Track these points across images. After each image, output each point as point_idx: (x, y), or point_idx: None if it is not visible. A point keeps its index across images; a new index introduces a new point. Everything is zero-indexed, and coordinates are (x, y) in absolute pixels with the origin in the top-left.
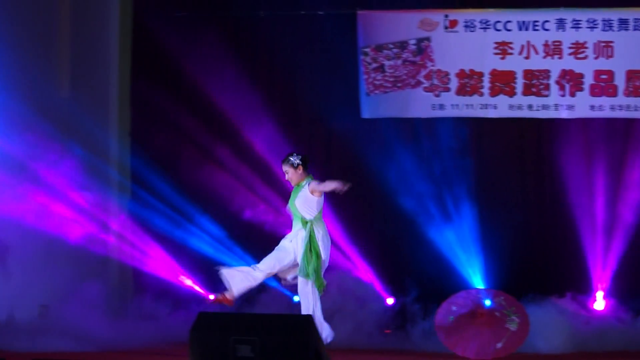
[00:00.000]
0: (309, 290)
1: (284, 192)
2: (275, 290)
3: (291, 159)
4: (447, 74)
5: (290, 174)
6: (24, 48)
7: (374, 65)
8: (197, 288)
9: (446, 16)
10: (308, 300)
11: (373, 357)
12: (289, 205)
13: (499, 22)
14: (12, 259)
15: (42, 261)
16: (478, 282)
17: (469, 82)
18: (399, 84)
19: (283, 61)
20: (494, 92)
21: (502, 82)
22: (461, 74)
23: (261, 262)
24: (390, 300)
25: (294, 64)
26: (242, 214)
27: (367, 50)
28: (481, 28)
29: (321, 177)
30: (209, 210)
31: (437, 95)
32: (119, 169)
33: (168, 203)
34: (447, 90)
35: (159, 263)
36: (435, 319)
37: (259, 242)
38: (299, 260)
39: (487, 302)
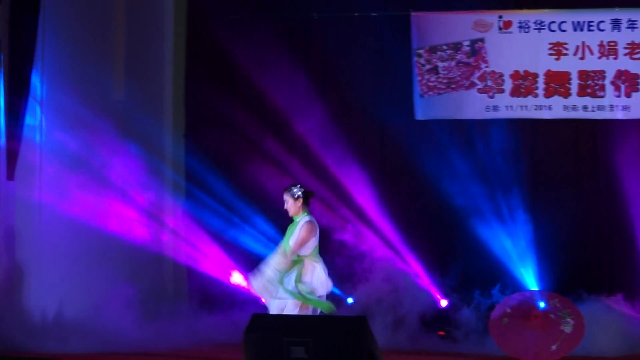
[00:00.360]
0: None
1: (338, 192)
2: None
3: (294, 189)
4: (501, 75)
5: (290, 204)
6: (81, 50)
7: (428, 66)
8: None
9: (500, 17)
10: None
11: (427, 358)
12: (284, 242)
13: (553, 22)
14: (65, 257)
15: (96, 260)
16: (531, 282)
17: (524, 84)
18: (453, 86)
19: (336, 63)
20: (548, 93)
21: (557, 83)
22: (515, 75)
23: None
24: (444, 302)
25: (348, 66)
26: None
27: (420, 51)
28: (535, 29)
29: (374, 178)
30: (263, 209)
31: (491, 97)
32: (173, 168)
33: (222, 202)
34: (501, 91)
35: (213, 262)
36: (489, 322)
37: None
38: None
39: (542, 304)
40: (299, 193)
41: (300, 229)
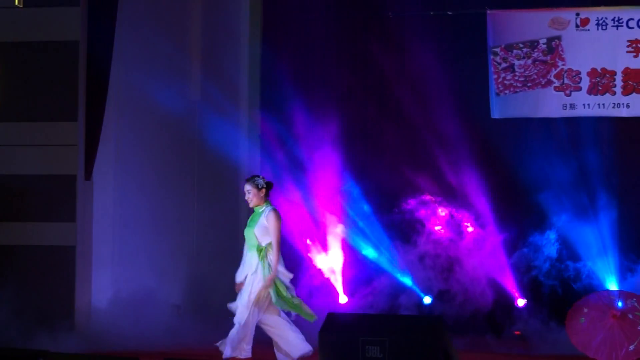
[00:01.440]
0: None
1: (416, 188)
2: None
3: (257, 179)
4: (578, 73)
5: (252, 194)
6: (158, 50)
7: (504, 65)
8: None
9: (577, 14)
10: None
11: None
12: (246, 232)
13: (631, 19)
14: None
15: (171, 256)
16: (612, 282)
17: (601, 81)
18: (529, 84)
19: (412, 61)
20: (626, 91)
21: (636, 81)
22: (593, 73)
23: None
24: (521, 302)
25: (423, 64)
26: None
27: (496, 49)
28: (613, 26)
29: (450, 176)
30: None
31: (568, 95)
32: (249, 169)
33: (300, 204)
34: (579, 89)
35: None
36: (566, 321)
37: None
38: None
39: (619, 304)
40: (263, 183)
41: (268, 219)
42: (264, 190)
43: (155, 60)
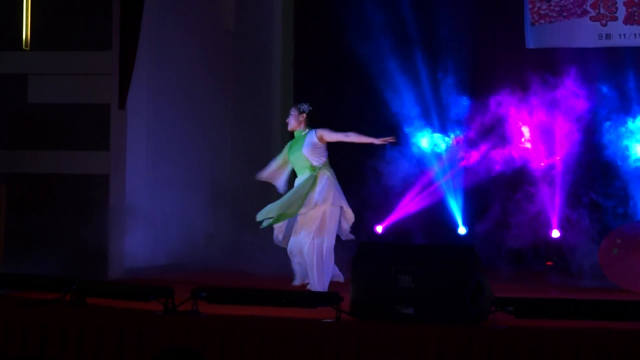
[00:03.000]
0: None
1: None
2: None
3: (302, 104)
4: (614, 2)
5: (293, 118)
6: (195, 51)
7: None
8: None
9: None
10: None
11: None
12: (290, 155)
13: None
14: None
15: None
16: None
17: (638, 11)
18: (565, 13)
19: None
20: None
21: None
22: (630, 2)
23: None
24: (556, 233)
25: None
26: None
27: None
28: None
29: (483, 107)
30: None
31: (604, 25)
32: (282, 101)
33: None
34: (615, 19)
35: None
36: (599, 252)
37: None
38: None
39: None
40: (306, 109)
41: (318, 133)
42: (304, 115)
43: (195, 59)
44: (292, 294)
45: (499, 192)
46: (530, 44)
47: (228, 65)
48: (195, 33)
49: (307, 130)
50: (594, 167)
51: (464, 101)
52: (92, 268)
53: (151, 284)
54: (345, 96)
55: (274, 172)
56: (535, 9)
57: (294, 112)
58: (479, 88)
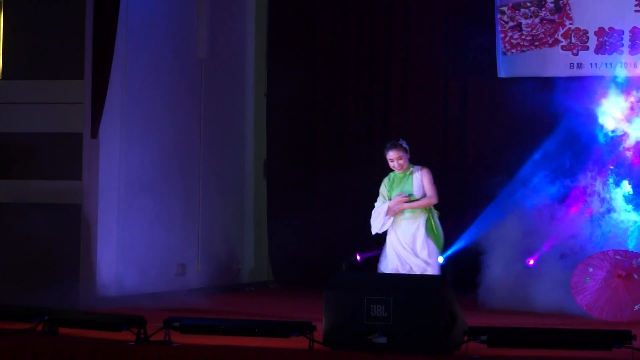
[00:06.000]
0: None
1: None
2: None
3: (404, 143)
4: (585, 32)
5: (404, 160)
6: (165, 9)
7: (511, 24)
8: None
9: None
10: None
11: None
12: (394, 195)
13: None
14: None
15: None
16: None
17: (609, 40)
18: (536, 43)
19: (419, 20)
20: (634, 50)
21: None
22: (600, 32)
23: None
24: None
25: (430, 24)
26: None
27: (504, 8)
28: None
29: (455, 138)
30: (346, 169)
31: (576, 54)
32: (255, 129)
33: (304, 161)
34: (586, 48)
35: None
36: (571, 281)
37: None
38: (418, 248)
39: (625, 264)
40: (407, 146)
41: (424, 176)
42: (408, 152)
43: (162, 18)
44: (264, 324)
45: None
46: (502, 73)
47: (201, 94)
48: (168, 61)
49: (410, 168)
50: None
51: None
52: (64, 298)
53: (123, 314)
54: (317, 126)
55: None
56: (507, 38)
57: (402, 153)
58: (452, 115)
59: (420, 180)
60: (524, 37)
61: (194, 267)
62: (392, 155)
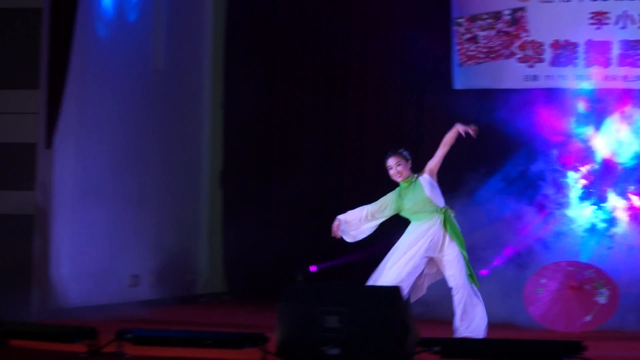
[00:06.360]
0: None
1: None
2: None
3: (404, 151)
4: (541, 44)
5: (402, 167)
6: (123, 16)
7: (468, 35)
8: None
9: None
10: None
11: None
12: (405, 204)
13: None
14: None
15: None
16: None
17: (564, 53)
18: (492, 55)
19: (375, 31)
20: (588, 63)
21: (597, 53)
22: (555, 45)
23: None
24: None
25: (387, 35)
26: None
27: (460, 20)
28: None
29: (412, 150)
30: (303, 180)
31: (531, 66)
32: (211, 140)
33: (260, 171)
34: (541, 61)
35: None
36: (523, 292)
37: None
38: (448, 260)
39: (577, 275)
40: (408, 155)
41: (429, 164)
42: (410, 161)
43: (119, 28)
44: (218, 335)
45: None
46: (458, 84)
47: (157, 104)
48: (124, 71)
49: (414, 175)
50: None
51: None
52: (16, 309)
53: (75, 325)
54: (274, 136)
55: (360, 220)
56: (463, 50)
57: (401, 161)
58: (407, 126)
59: (428, 179)
60: (480, 49)
61: (148, 278)
62: (390, 162)
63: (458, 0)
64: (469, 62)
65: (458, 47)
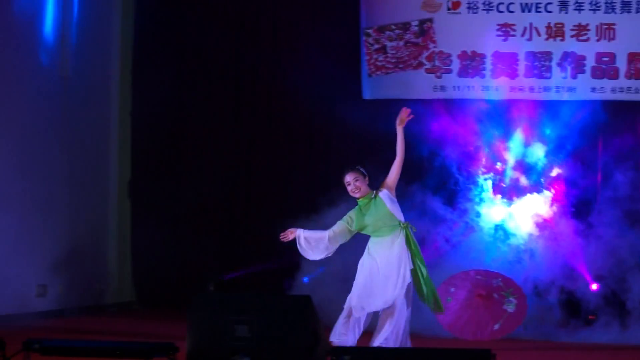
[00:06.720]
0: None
1: (286, 173)
2: None
3: (360, 168)
4: (449, 55)
5: (360, 182)
6: (27, 26)
7: (376, 46)
8: None
9: None
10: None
11: None
12: (366, 219)
13: (501, 3)
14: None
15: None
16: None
17: (471, 64)
18: (401, 65)
19: (285, 42)
20: (495, 74)
21: (504, 64)
22: (463, 56)
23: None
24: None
25: (296, 45)
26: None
27: (369, 31)
28: (484, 10)
29: (321, 159)
30: (212, 188)
31: (439, 77)
32: (120, 149)
33: (169, 180)
34: (449, 71)
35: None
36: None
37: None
38: (400, 279)
39: (485, 284)
40: (364, 171)
41: (389, 177)
42: (367, 178)
43: (24, 34)
44: (127, 345)
45: None
46: (367, 94)
47: (64, 112)
48: (30, 78)
49: (373, 191)
50: None
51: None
52: None
53: None
54: (183, 145)
55: (320, 241)
56: (372, 61)
57: (359, 177)
58: (317, 136)
59: (387, 194)
60: (388, 59)
61: (56, 288)
62: (347, 178)
63: (367, 11)
64: (377, 73)
65: (367, 58)
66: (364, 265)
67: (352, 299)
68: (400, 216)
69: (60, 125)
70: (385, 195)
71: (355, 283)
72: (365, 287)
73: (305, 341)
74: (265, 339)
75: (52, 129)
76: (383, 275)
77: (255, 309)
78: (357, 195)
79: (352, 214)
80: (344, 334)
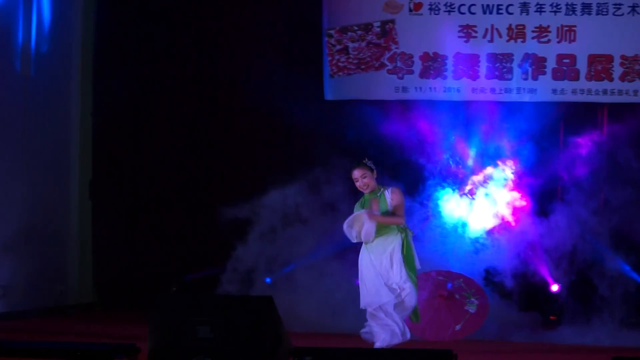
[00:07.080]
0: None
1: (247, 173)
2: None
3: (369, 162)
4: (410, 56)
5: (368, 178)
6: None
7: (338, 47)
8: None
9: None
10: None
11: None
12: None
13: (463, 5)
14: None
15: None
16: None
17: (433, 65)
18: (363, 66)
19: (246, 42)
20: (457, 75)
21: (466, 66)
22: (425, 57)
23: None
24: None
25: (258, 45)
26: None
27: (331, 32)
28: (445, 11)
29: (282, 160)
30: (175, 189)
31: (401, 78)
32: (81, 149)
33: (130, 181)
34: (411, 72)
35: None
36: None
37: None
38: (393, 271)
39: (447, 284)
40: (373, 166)
41: (394, 195)
42: (375, 172)
43: None
44: (88, 346)
45: None
46: (329, 95)
47: (24, 112)
48: None
49: (381, 188)
50: None
51: None
52: None
53: None
54: (144, 146)
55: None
56: (334, 61)
57: (367, 172)
58: (278, 138)
59: (389, 197)
60: (350, 60)
61: (15, 289)
62: (356, 174)
63: (329, 11)
64: (339, 73)
65: (329, 58)
66: (363, 264)
67: (365, 298)
68: (402, 219)
69: (20, 126)
70: (388, 196)
71: (360, 284)
72: (372, 283)
73: (267, 342)
74: (227, 339)
75: (13, 129)
76: (384, 268)
77: (218, 309)
78: (366, 191)
79: (357, 205)
80: (379, 333)
